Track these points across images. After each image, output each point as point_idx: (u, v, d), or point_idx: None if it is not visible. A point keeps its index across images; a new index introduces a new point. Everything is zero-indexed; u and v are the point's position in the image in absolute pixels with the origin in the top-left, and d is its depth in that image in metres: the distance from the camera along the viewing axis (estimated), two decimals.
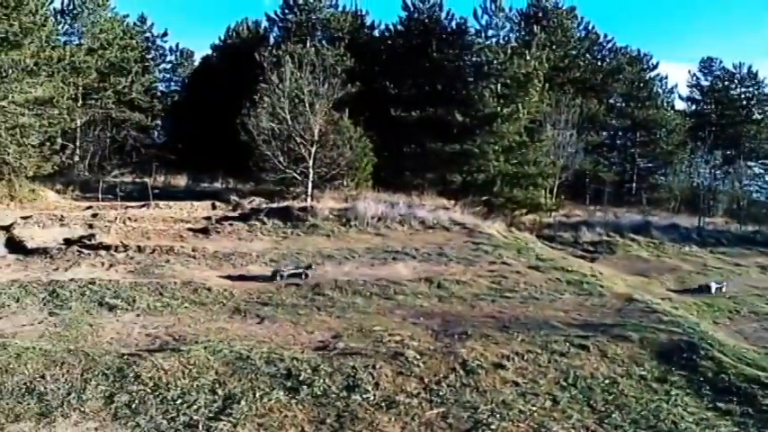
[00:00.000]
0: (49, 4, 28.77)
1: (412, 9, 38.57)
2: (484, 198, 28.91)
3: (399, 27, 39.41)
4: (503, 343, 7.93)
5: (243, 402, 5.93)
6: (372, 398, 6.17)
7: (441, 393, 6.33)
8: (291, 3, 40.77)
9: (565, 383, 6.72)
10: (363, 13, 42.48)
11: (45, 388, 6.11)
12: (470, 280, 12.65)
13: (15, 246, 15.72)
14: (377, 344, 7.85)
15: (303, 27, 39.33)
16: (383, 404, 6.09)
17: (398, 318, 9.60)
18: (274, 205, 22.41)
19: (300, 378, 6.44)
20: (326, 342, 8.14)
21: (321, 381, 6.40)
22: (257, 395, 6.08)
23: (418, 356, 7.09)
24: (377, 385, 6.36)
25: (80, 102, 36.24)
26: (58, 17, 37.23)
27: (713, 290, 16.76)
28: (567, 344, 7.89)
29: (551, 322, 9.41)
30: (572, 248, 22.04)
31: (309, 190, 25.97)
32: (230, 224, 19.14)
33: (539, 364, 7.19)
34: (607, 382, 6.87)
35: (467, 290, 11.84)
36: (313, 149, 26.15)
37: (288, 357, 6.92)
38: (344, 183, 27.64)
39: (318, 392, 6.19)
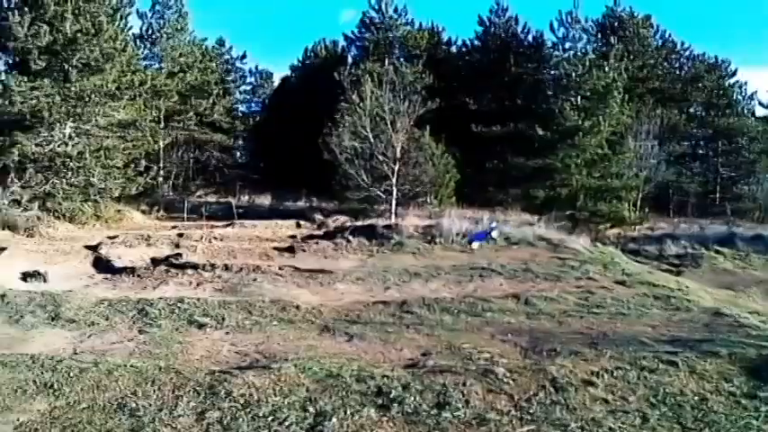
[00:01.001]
0: (129, 30, 30.07)
1: (488, 24, 39.05)
2: (568, 212, 28.68)
3: (476, 42, 40.03)
4: (592, 360, 7.67)
5: (334, 419, 5.83)
6: (463, 415, 6.01)
7: (531, 411, 6.12)
8: (368, 22, 41.59)
9: (654, 400, 6.42)
10: (440, 30, 43.30)
11: (137, 404, 6.17)
12: (558, 296, 12.34)
13: (103, 265, 16.28)
14: (466, 361, 7.69)
15: (381, 45, 40.10)
16: (474, 422, 5.92)
17: (487, 335, 9.43)
18: (359, 223, 22.55)
19: (391, 396, 6.32)
20: (416, 360, 8.03)
21: (412, 398, 6.27)
22: (348, 412, 5.97)
23: (508, 374, 6.91)
24: (467, 403, 6.20)
25: (163, 124, 37.59)
26: (138, 42, 38.73)
27: None
28: (656, 360, 7.57)
29: (639, 338, 9.07)
30: (657, 262, 21.30)
31: (393, 208, 26.17)
32: (316, 242, 19.27)
33: (628, 380, 6.91)
34: (696, 398, 6.51)
35: (554, 306, 11.56)
36: (396, 167, 26.39)
37: (378, 375, 6.82)
38: (428, 200, 27.81)
39: (409, 410, 6.06)
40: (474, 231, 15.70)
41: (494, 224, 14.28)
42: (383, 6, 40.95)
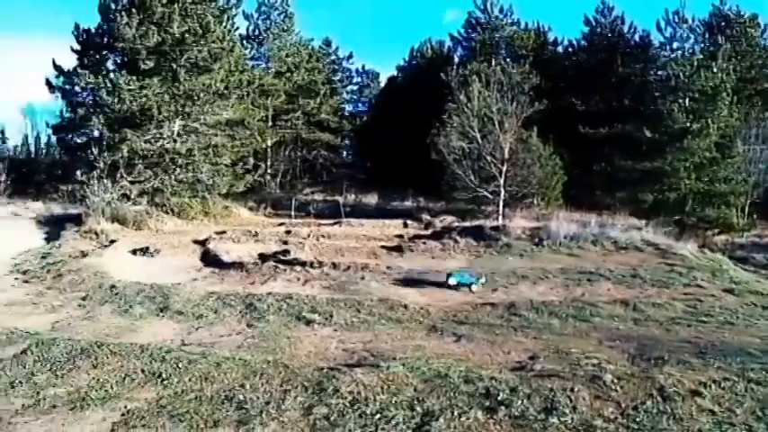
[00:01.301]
0: (236, 30, 30.67)
1: (594, 24, 37.81)
2: (675, 217, 27.34)
3: (583, 42, 38.79)
4: (699, 369, 7.26)
5: (441, 420, 5.63)
6: (570, 421, 5.73)
7: (638, 420, 5.80)
8: (474, 22, 41.22)
9: (761, 413, 6.00)
10: (546, 30, 42.31)
11: (244, 397, 6.11)
12: (666, 303, 11.80)
13: (211, 259, 16.57)
14: (574, 366, 7.37)
15: (487, 46, 39.64)
16: (581, 428, 5.64)
17: (594, 340, 9.05)
18: (467, 224, 22.29)
19: (499, 398, 6.08)
20: (523, 363, 7.77)
21: (519, 402, 6.02)
22: (455, 413, 5.77)
23: (615, 380, 6.58)
24: (574, 409, 5.91)
25: (270, 123, 38.18)
26: (245, 43, 39.50)
27: None
28: (764, 372, 7.07)
29: (747, 349, 8.50)
30: (765, 271, 19.97)
31: (501, 209, 25.78)
32: (423, 242, 19.10)
33: (735, 392, 6.48)
34: None
35: (662, 313, 11.03)
36: (504, 168, 26.06)
37: (486, 377, 6.58)
38: (535, 201, 27.14)
39: (516, 413, 5.81)
40: (462, 271, 14.83)
41: (483, 279, 13.67)
42: (489, 6, 40.51)
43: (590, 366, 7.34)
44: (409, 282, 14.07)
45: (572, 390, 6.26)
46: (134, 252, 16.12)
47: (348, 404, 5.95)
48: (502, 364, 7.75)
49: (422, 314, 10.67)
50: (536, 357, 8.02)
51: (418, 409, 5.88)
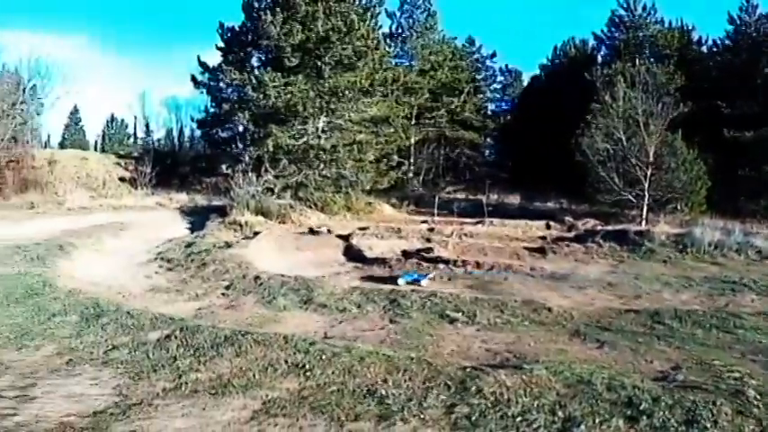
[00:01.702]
0: (379, 28, 30.97)
1: (738, 22, 35.51)
2: None
3: (726, 42, 36.53)
4: None
5: (582, 426, 5.29)
6: None
7: None
8: (617, 21, 40.39)
9: None
10: (690, 29, 40.30)
11: (386, 392, 5.94)
12: None
13: (354, 255, 16.74)
14: (716, 379, 6.80)
15: (630, 45, 38.46)
16: None
17: (737, 353, 8.30)
18: (610, 228, 21.45)
19: (641, 408, 5.66)
20: (666, 373, 7.23)
21: (661, 413, 5.59)
22: (597, 420, 5.42)
23: (758, 396, 6.00)
24: (715, 423, 5.43)
25: (414, 121, 38.40)
26: (388, 41, 39.94)
27: None
28: None
29: None
30: None
31: (645, 213, 24.80)
32: (567, 245, 18.59)
33: None
34: None
35: None
36: (648, 171, 24.99)
37: (629, 385, 6.16)
38: (678, 207, 25.84)
39: (657, 424, 5.40)
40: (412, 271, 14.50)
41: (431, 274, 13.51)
42: (632, 4, 39.40)
43: (732, 380, 6.76)
44: (552, 284, 13.65)
45: (714, 403, 5.77)
46: (311, 232, 16.43)
47: (490, 405, 5.69)
48: (644, 372, 7.24)
49: (565, 318, 10.21)
50: (678, 368, 7.50)
51: (560, 413, 5.56)
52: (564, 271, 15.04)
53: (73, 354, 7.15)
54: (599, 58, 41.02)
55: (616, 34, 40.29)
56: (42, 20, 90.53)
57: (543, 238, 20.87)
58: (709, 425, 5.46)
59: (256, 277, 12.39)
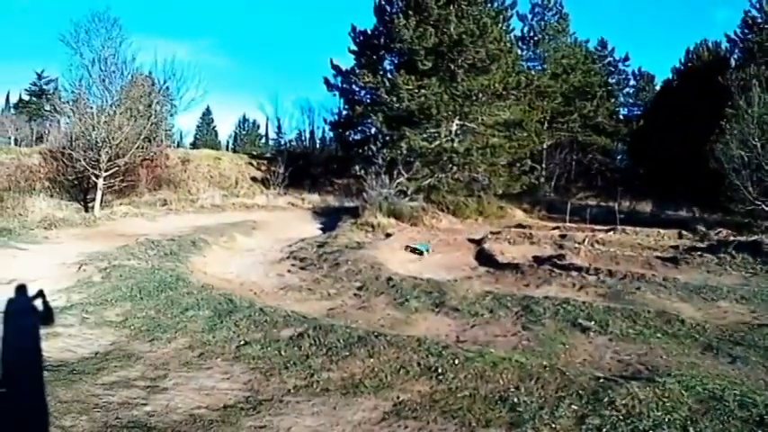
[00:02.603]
0: (511, 31, 30.82)
1: None
2: None
3: None
4: None
5: None
6: None
7: None
8: (750, 22, 37.98)
9: None
10: None
11: (518, 399, 5.85)
12: None
13: (485, 258, 16.56)
14: None
15: (765, 47, 36.13)
16: None
17: None
18: (743, 238, 20.36)
19: None
20: None
21: None
22: None
23: None
24: None
25: (546, 125, 37.96)
26: (520, 44, 39.66)
27: None
28: None
29: None
30: None
31: None
32: (699, 255, 17.76)
33: None
34: None
35: None
36: None
37: (761, 403, 5.85)
38: None
39: None
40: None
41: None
42: (765, 5, 36.82)
43: None
44: (684, 296, 13.13)
45: None
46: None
47: (621, 417, 5.53)
48: None
49: (698, 330, 9.76)
50: None
51: (691, 429, 5.36)
52: (696, 282, 14.41)
53: (205, 348, 7.39)
54: (732, 62, 39.21)
55: (749, 36, 38.01)
56: (176, 26, 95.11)
57: (675, 247, 20.13)
58: None
59: (389, 279, 12.45)
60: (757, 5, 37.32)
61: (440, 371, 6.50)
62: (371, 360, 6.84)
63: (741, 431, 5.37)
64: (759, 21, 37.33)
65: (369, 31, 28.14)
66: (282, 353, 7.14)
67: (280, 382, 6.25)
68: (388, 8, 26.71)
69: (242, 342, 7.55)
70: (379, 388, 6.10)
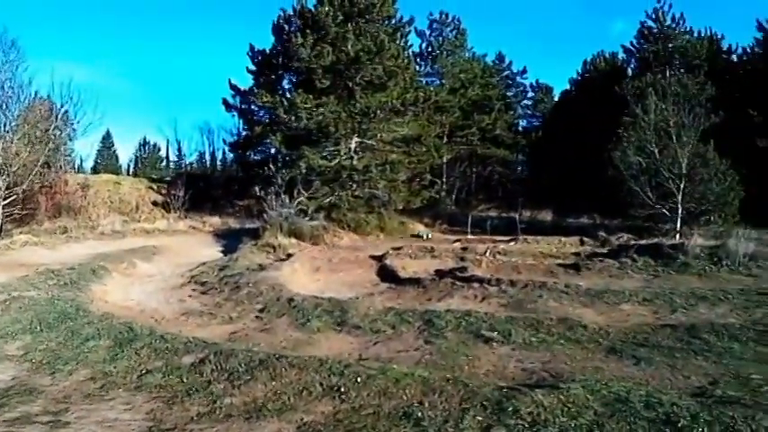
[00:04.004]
0: (409, 47, 31.34)
1: (767, 29, 35.03)
2: None
3: (757, 49, 36.29)
4: None
5: None
6: None
7: None
8: (646, 32, 40.07)
9: None
10: (719, 38, 40.05)
11: (422, 414, 5.89)
12: None
13: (388, 275, 16.67)
14: (755, 393, 6.73)
15: (660, 56, 38.29)
16: None
17: None
18: (643, 242, 21.26)
19: (679, 425, 5.56)
20: (703, 388, 7.09)
21: (699, 429, 5.50)
22: None
23: None
24: None
25: (445, 139, 38.62)
26: (418, 60, 40.26)
27: None
28: None
29: None
30: None
31: (678, 226, 24.73)
32: (600, 261, 18.42)
33: None
34: None
35: None
36: (681, 184, 24.92)
37: (667, 402, 6.07)
38: (712, 219, 25.60)
39: None
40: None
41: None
42: (660, 16, 39.11)
43: None
44: (586, 301, 13.52)
45: (753, 418, 5.64)
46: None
47: (527, 425, 5.61)
48: (682, 389, 7.13)
49: (601, 335, 10.06)
50: (716, 383, 7.39)
51: None
52: (598, 287, 14.82)
53: (106, 378, 7.20)
54: (629, 71, 41.16)
55: (645, 46, 39.99)
56: (73, 48, 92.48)
57: (577, 254, 20.74)
58: None
59: (290, 299, 12.37)
60: (653, 16, 39.29)
61: (342, 390, 6.51)
62: (274, 383, 6.80)
63: (648, 431, 5.55)
64: (655, 31, 39.30)
65: (267, 51, 28.07)
66: (184, 380, 7.03)
67: (182, 410, 6.16)
68: (287, 27, 26.71)
69: (143, 371, 7.40)
70: (283, 411, 6.07)
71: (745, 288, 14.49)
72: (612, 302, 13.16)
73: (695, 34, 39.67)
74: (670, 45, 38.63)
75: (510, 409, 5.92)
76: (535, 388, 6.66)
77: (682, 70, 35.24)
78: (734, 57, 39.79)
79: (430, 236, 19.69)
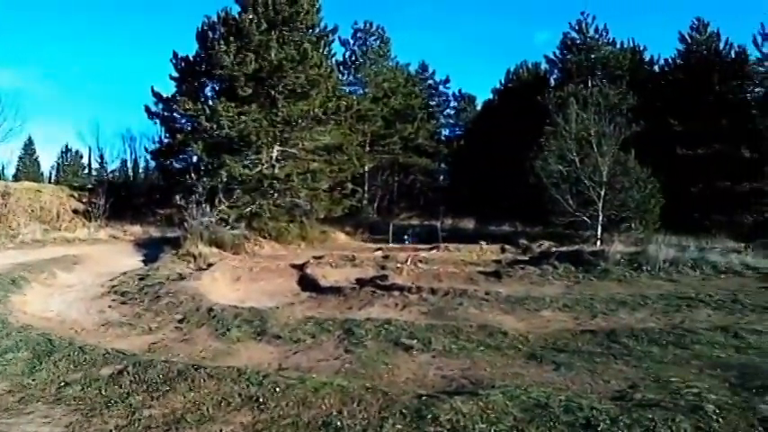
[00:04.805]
0: (332, 56, 31.39)
1: (689, 41, 36.82)
2: None
3: (678, 60, 37.83)
4: None
5: None
6: None
7: None
8: (569, 43, 41.09)
9: None
10: (641, 49, 41.78)
11: (341, 423, 5.96)
12: (767, 329, 11.03)
13: (308, 284, 16.67)
14: (674, 396, 6.97)
15: (583, 67, 39.37)
16: None
17: (695, 368, 8.50)
18: (564, 249, 21.84)
19: (599, 429, 5.78)
20: (623, 392, 7.37)
21: None
22: None
23: (717, 411, 6.18)
24: None
25: (368, 148, 38.73)
26: (342, 68, 40.32)
27: None
28: None
29: None
30: None
31: (599, 233, 25.63)
32: (522, 268, 18.79)
33: None
34: None
35: (763, 340, 10.28)
36: (602, 192, 25.89)
37: (586, 406, 6.27)
38: (633, 225, 26.50)
39: None
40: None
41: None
42: (584, 27, 40.23)
43: (691, 396, 6.91)
44: (507, 308, 13.75)
45: (673, 420, 5.89)
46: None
47: None
48: (602, 393, 7.35)
49: (521, 341, 10.30)
50: (636, 386, 7.64)
51: None
52: (519, 294, 15.06)
53: (25, 391, 7.08)
54: (551, 81, 41.97)
55: (568, 57, 40.92)
56: None
57: (498, 261, 21.07)
58: None
59: (210, 309, 12.27)
60: (576, 28, 40.35)
61: (261, 400, 6.55)
62: (192, 394, 6.80)
63: None
64: (578, 42, 40.32)
65: (191, 58, 27.68)
66: (103, 392, 6.97)
67: (101, 422, 6.11)
68: (210, 34, 26.40)
69: (62, 383, 7.29)
70: (201, 422, 6.07)
71: (664, 293, 14.99)
72: (533, 309, 13.44)
73: (618, 45, 40.90)
74: (593, 56, 39.68)
75: (429, 416, 6.03)
76: (454, 395, 6.79)
77: (604, 81, 36.02)
78: (656, 68, 41.27)
79: (409, 242, 20.17)
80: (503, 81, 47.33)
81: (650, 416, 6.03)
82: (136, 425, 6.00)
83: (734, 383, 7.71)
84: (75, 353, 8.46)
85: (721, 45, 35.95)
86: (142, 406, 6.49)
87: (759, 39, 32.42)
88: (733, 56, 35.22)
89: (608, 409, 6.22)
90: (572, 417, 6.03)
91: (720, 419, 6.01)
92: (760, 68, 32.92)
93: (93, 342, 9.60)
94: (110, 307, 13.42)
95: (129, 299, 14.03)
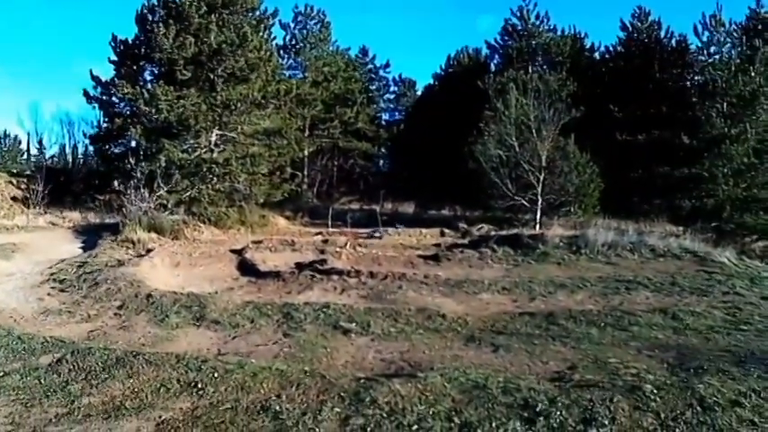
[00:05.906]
0: (272, 40, 31.10)
1: (631, 29, 37.43)
2: (714, 224, 26.74)
3: (619, 48, 38.42)
4: (739, 379, 7.04)
5: (479, 431, 5.53)
6: None
7: (677, 430, 5.68)
8: (510, 29, 41.15)
9: None
10: (582, 36, 42.10)
11: (280, 407, 6.07)
12: (704, 311, 11.45)
13: (247, 269, 16.59)
14: (613, 376, 7.24)
15: (524, 53, 39.66)
16: None
17: (633, 349, 8.83)
18: (504, 233, 22.09)
19: (537, 409, 5.98)
20: (562, 373, 7.60)
21: (558, 413, 5.92)
22: (494, 425, 5.71)
23: (655, 391, 6.44)
24: (613, 420, 5.82)
25: (307, 132, 38.55)
26: (281, 52, 39.98)
27: None
28: None
29: None
30: None
31: (538, 217, 26.08)
32: (461, 251, 18.91)
33: None
34: None
35: (701, 321, 10.71)
36: (541, 176, 26.34)
37: (525, 387, 6.49)
38: (572, 209, 26.99)
39: (555, 425, 5.73)
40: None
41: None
42: (525, 13, 40.41)
43: (629, 376, 7.19)
44: (446, 291, 13.92)
45: (611, 400, 6.15)
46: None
47: (385, 415, 5.89)
48: (540, 374, 7.58)
49: (460, 324, 10.50)
50: (574, 367, 7.87)
51: (456, 420, 5.81)
52: (458, 277, 15.22)
53: None
54: (492, 67, 41.95)
55: (509, 42, 41.02)
56: None
57: (437, 245, 21.16)
58: (606, 422, 5.75)
59: (149, 295, 12.19)
60: (518, 14, 40.48)
61: (200, 386, 6.63)
62: (131, 381, 6.84)
63: (507, 416, 5.86)
64: (519, 28, 40.45)
65: (130, 41, 27.09)
66: (42, 381, 6.94)
67: (41, 411, 6.10)
68: (150, 17, 25.85)
69: (1, 373, 7.23)
70: (141, 409, 6.13)
71: (603, 276, 15.37)
72: (472, 292, 13.65)
73: (559, 32, 41.08)
74: (533, 42, 39.82)
75: (368, 399, 6.18)
76: (393, 378, 6.95)
77: (544, 67, 36.67)
78: (597, 55, 41.72)
79: (381, 237, 20.54)
80: (444, 66, 47.24)
81: (588, 396, 6.25)
82: (76, 413, 6.02)
83: (672, 364, 8.02)
84: (14, 342, 8.43)
85: (662, 33, 36.61)
86: (81, 394, 6.51)
87: (700, 28, 33.08)
88: (674, 44, 35.92)
89: (546, 390, 6.42)
90: (510, 398, 6.22)
91: (658, 399, 6.25)
92: (701, 57, 33.60)
93: (33, 331, 9.55)
94: (49, 295, 13.20)
95: (68, 286, 13.80)
